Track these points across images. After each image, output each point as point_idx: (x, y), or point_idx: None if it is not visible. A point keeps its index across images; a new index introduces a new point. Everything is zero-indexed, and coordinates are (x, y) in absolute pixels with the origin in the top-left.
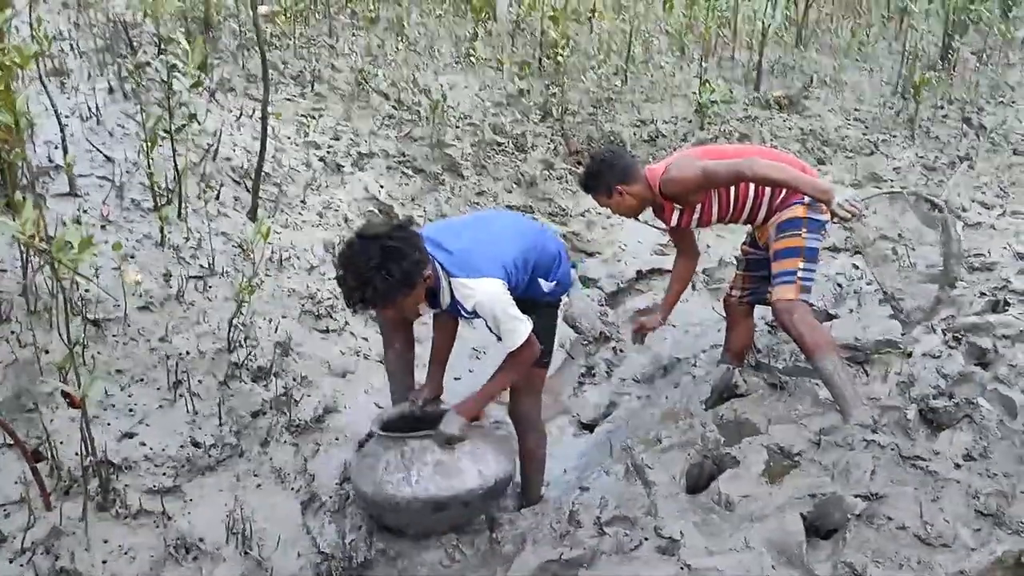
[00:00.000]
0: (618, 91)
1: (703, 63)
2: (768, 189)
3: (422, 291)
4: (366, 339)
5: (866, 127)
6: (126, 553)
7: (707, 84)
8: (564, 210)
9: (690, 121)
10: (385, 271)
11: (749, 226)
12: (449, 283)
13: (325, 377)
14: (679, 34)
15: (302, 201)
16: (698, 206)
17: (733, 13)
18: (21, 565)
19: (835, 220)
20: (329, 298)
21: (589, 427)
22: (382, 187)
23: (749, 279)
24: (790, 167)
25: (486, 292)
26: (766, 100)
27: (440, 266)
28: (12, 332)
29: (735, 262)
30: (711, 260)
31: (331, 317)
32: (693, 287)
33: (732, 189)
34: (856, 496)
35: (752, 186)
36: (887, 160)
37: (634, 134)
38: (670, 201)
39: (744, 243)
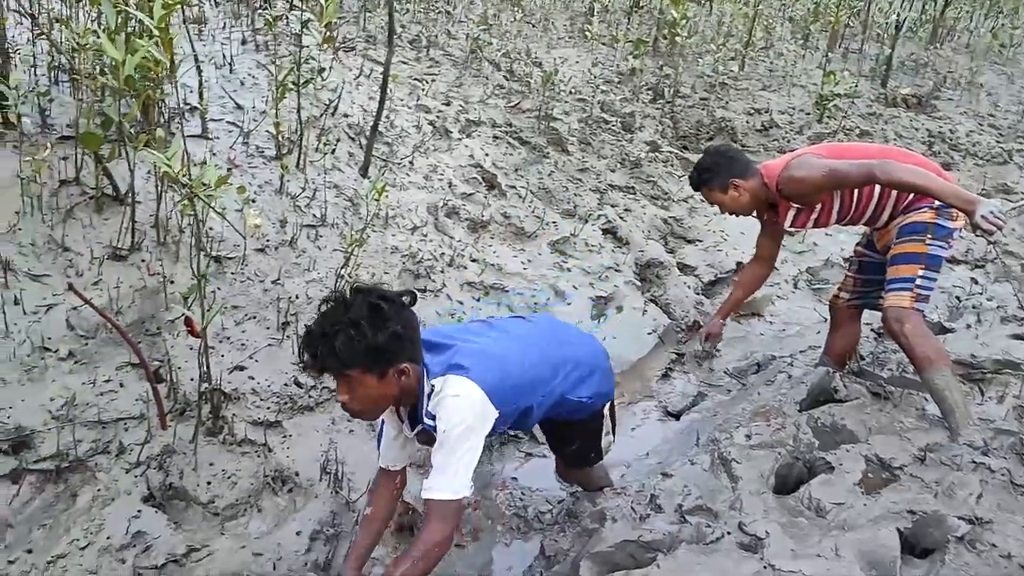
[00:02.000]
0: (734, 77)
1: (828, 53)
2: (894, 192)
3: (392, 389)
4: (461, 302)
5: (1000, 134)
6: (228, 478)
7: (831, 76)
8: (667, 194)
9: (808, 113)
10: (355, 330)
11: (866, 227)
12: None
13: None
14: (805, 22)
15: (410, 162)
16: (817, 206)
17: (866, 3)
18: (136, 476)
19: (977, 233)
20: (429, 259)
21: (674, 415)
22: (487, 155)
23: (860, 282)
24: (929, 172)
25: (460, 395)
26: (893, 97)
27: (425, 368)
28: (143, 261)
29: (844, 263)
30: (817, 259)
31: (430, 277)
32: (795, 285)
33: (856, 191)
34: (959, 518)
35: (878, 187)
36: (1020, 171)
37: (746, 122)
38: (787, 200)
39: (859, 244)
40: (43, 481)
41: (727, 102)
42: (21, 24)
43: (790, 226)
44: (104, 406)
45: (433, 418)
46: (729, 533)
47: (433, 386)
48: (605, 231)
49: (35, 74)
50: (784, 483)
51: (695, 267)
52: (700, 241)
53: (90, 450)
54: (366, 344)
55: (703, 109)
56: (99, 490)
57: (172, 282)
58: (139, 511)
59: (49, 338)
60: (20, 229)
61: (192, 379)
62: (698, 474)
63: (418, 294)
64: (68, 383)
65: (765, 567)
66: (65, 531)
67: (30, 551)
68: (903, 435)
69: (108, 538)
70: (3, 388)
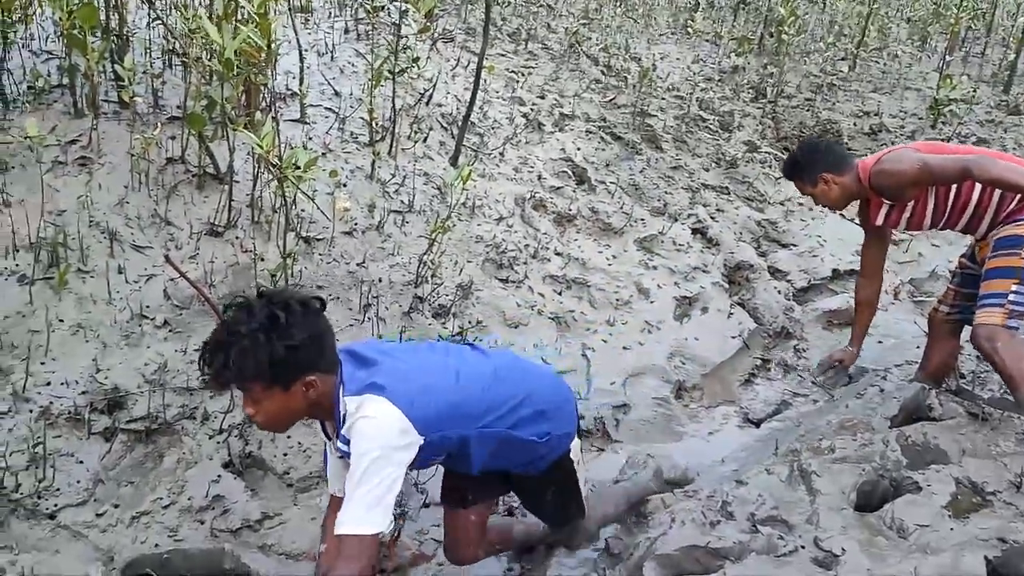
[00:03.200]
0: (843, 77)
1: (946, 56)
2: (994, 197)
3: (299, 403)
4: (542, 295)
5: None
6: (304, 451)
7: (948, 80)
8: (762, 195)
9: (920, 118)
10: (251, 342)
11: (970, 237)
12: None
13: (499, 325)
14: (923, 23)
15: (500, 154)
16: (910, 204)
17: (991, 6)
18: (218, 442)
19: None
20: (513, 250)
21: (754, 423)
22: (579, 150)
23: (960, 295)
24: None
25: (374, 418)
26: (1016, 104)
27: (342, 383)
28: (237, 238)
29: (949, 276)
30: (921, 270)
31: (512, 268)
32: (896, 296)
33: (952, 190)
34: None
35: (976, 190)
36: None
37: (854, 125)
38: (879, 195)
39: (963, 255)
40: (133, 441)
41: (834, 103)
42: (141, 9)
43: (880, 223)
44: (193, 374)
45: (348, 443)
46: (803, 547)
47: (347, 406)
48: (695, 231)
49: (150, 57)
50: (867, 501)
51: (787, 272)
52: (795, 246)
53: (178, 415)
54: (263, 357)
55: (807, 110)
56: (184, 453)
57: (263, 259)
58: (219, 476)
59: (147, 306)
60: (128, 203)
61: None
62: (775, 484)
63: (324, 301)
64: (162, 350)
65: None
66: (151, 489)
67: (117, 506)
68: (999, 459)
69: (189, 499)
70: (103, 351)
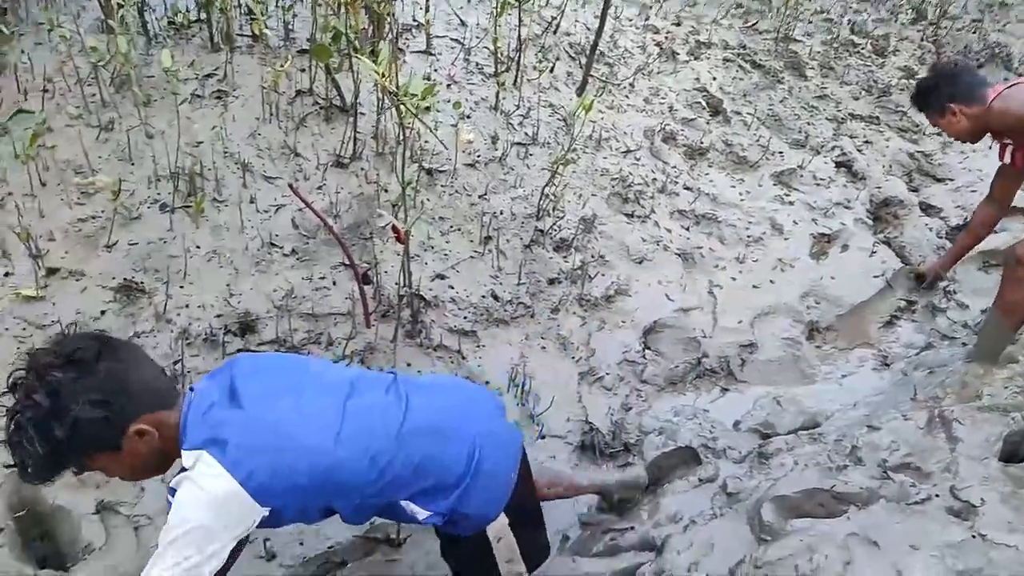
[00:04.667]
0: None
1: None
2: None
3: (145, 449)
4: (669, 230)
5: None
6: (417, 373)
7: None
8: (917, 126)
9: None
10: (30, 442)
11: None
12: None
13: (622, 260)
14: None
15: (630, 84)
16: None
17: None
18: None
19: None
20: (640, 184)
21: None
22: (714, 79)
23: None
24: None
25: (201, 487)
26: None
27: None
28: (362, 169)
29: None
30: None
31: (638, 203)
32: None
33: None
34: None
35: None
36: None
37: None
38: (998, 133)
39: None
40: None
41: (1005, 24)
42: None
43: (1008, 163)
44: (318, 301)
45: (173, 494)
46: (937, 495)
47: (184, 459)
48: (838, 164)
49: None
50: (1014, 453)
51: (941, 208)
52: (951, 180)
53: (304, 339)
54: (51, 447)
55: (974, 32)
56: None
57: (386, 191)
58: None
59: (277, 235)
60: (259, 134)
61: (396, 283)
62: (910, 431)
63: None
64: (289, 277)
65: (974, 536)
66: None
67: None
68: None
69: None
70: (236, 277)
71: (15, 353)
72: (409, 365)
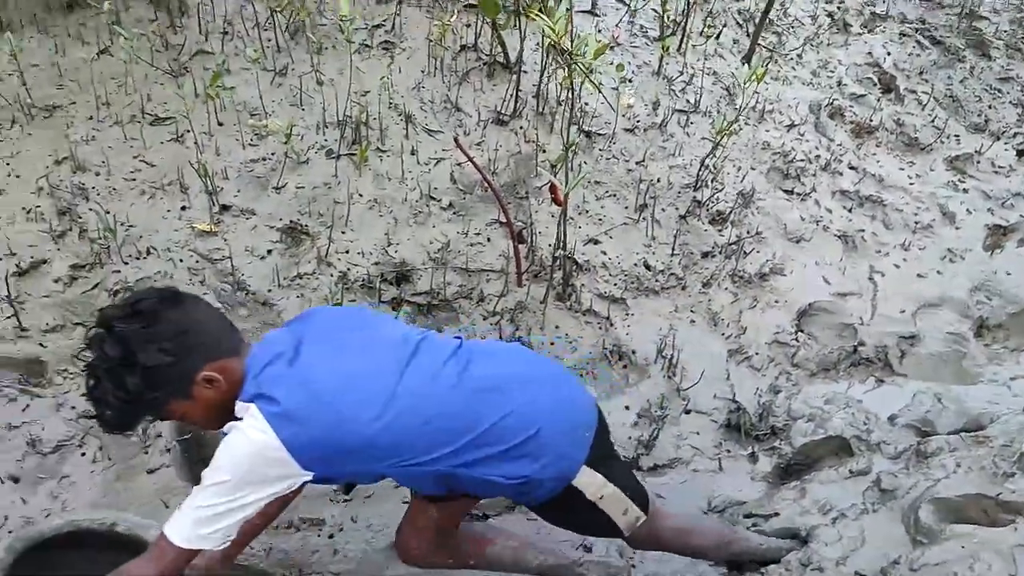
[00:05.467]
0: None
1: None
2: None
3: (215, 397)
4: (829, 210)
5: None
6: (570, 342)
7: None
8: None
9: None
10: (109, 393)
11: None
12: None
13: (778, 238)
14: None
15: (799, 55)
16: None
17: None
18: (491, 324)
19: None
20: (802, 160)
21: None
22: (889, 54)
23: None
24: None
25: (245, 439)
26: None
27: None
28: (521, 128)
29: None
30: None
31: (799, 180)
32: None
33: None
34: None
35: None
36: None
37: None
38: None
39: None
40: (416, 312)
41: None
42: None
43: None
44: (472, 256)
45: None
46: None
47: (238, 409)
48: (1020, 152)
49: None
50: None
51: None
52: None
53: (456, 293)
54: (128, 396)
55: None
56: (459, 330)
57: (544, 151)
58: None
59: (435, 188)
60: (423, 87)
61: (550, 244)
62: None
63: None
64: (445, 230)
65: None
66: None
67: None
68: None
69: None
70: (395, 226)
71: (188, 284)
72: (557, 327)
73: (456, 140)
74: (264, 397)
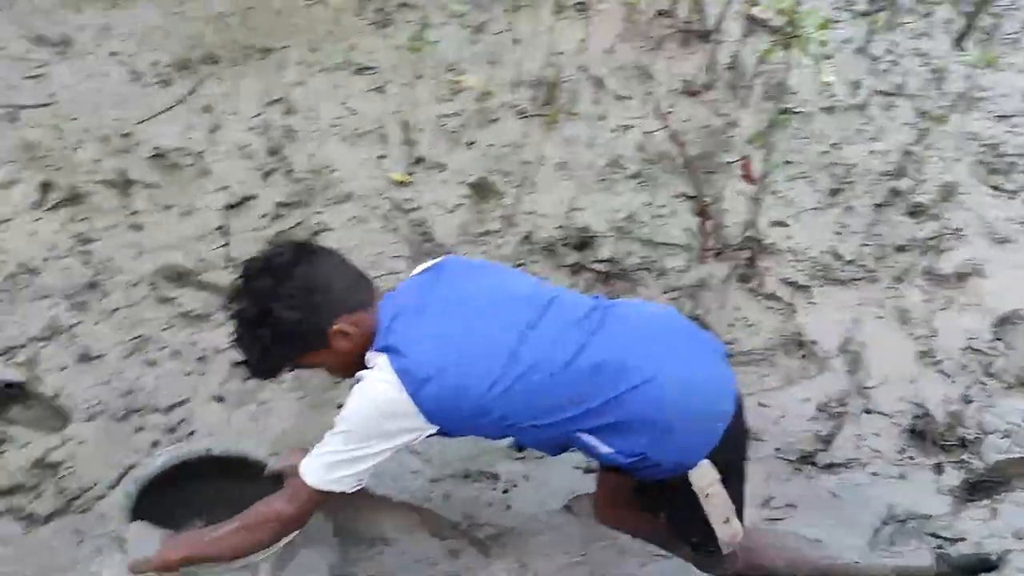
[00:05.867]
0: None
1: None
2: None
3: (350, 347)
4: None
5: None
6: (750, 326)
7: None
8: None
9: None
10: (255, 336)
11: None
12: None
13: (981, 237)
14: None
15: (1015, 40)
16: None
17: None
18: (670, 299)
19: None
20: (1013, 154)
21: None
22: None
23: None
24: None
25: (372, 390)
26: None
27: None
28: (713, 100)
29: None
30: None
31: (1008, 176)
32: None
33: None
34: None
35: None
36: None
37: None
38: None
39: None
40: (594, 280)
41: None
42: None
43: None
44: (656, 228)
45: None
46: None
47: (368, 358)
48: None
49: None
50: None
51: None
52: None
53: (637, 264)
54: (264, 348)
55: None
56: None
57: (736, 125)
58: None
59: (621, 156)
60: (615, 52)
61: (736, 223)
62: None
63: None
64: (630, 199)
65: None
66: None
67: None
68: None
69: None
70: (579, 191)
71: (380, 230)
72: (738, 309)
73: (657, 108)
74: (393, 349)
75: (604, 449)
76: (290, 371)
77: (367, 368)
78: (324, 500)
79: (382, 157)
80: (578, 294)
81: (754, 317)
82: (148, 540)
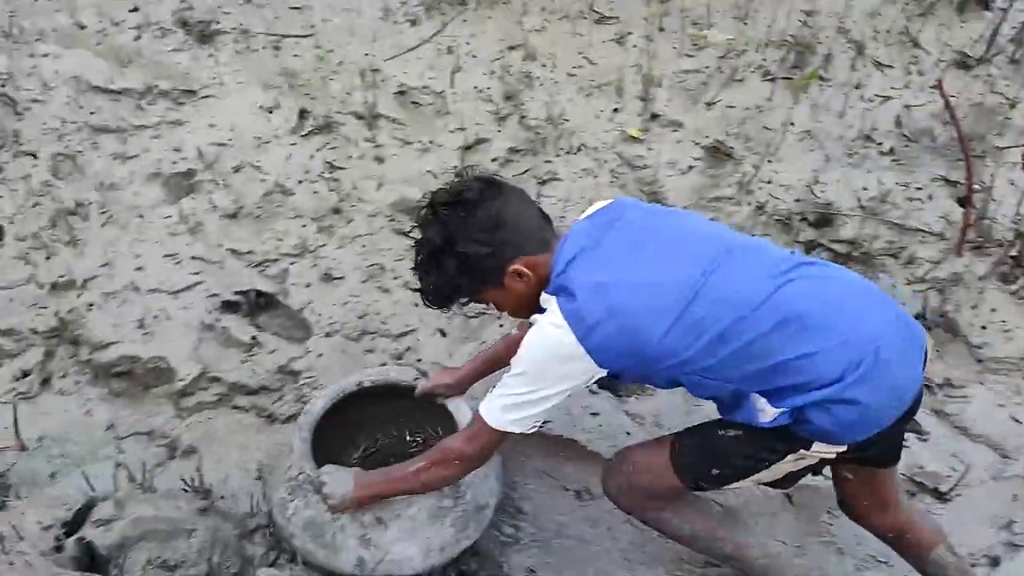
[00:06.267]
0: None
1: None
2: None
3: (524, 288)
4: None
5: None
6: (1006, 331)
7: None
8: None
9: None
10: (429, 270)
11: None
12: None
13: None
14: None
15: None
16: None
17: None
18: (916, 291)
19: None
20: None
21: None
22: None
23: None
24: None
25: (543, 333)
26: None
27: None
28: (989, 75)
29: None
30: None
31: None
32: None
33: None
34: None
35: None
36: None
37: None
38: None
39: None
40: (831, 261)
41: None
42: None
43: None
44: (908, 212)
45: None
46: None
47: (542, 299)
48: None
49: None
50: None
51: None
52: None
53: (882, 249)
54: (445, 278)
55: None
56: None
57: (1013, 107)
58: None
59: (875, 129)
60: (880, 15)
61: (1003, 216)
62: None
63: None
64: (882, 177)
65: None
66: None
67: None
68: None
69: None
70: (825, 164)
71: (607, 184)
72: (994, 311)
73: (940, 82)
74: (565, 292)
75: (769, 414)
76: (464, 304)
77: (542, 310)
78: (503, 439)
79: (617, 110)
80: (761, 241)
81: (1012, 322)
82: (341, 480)
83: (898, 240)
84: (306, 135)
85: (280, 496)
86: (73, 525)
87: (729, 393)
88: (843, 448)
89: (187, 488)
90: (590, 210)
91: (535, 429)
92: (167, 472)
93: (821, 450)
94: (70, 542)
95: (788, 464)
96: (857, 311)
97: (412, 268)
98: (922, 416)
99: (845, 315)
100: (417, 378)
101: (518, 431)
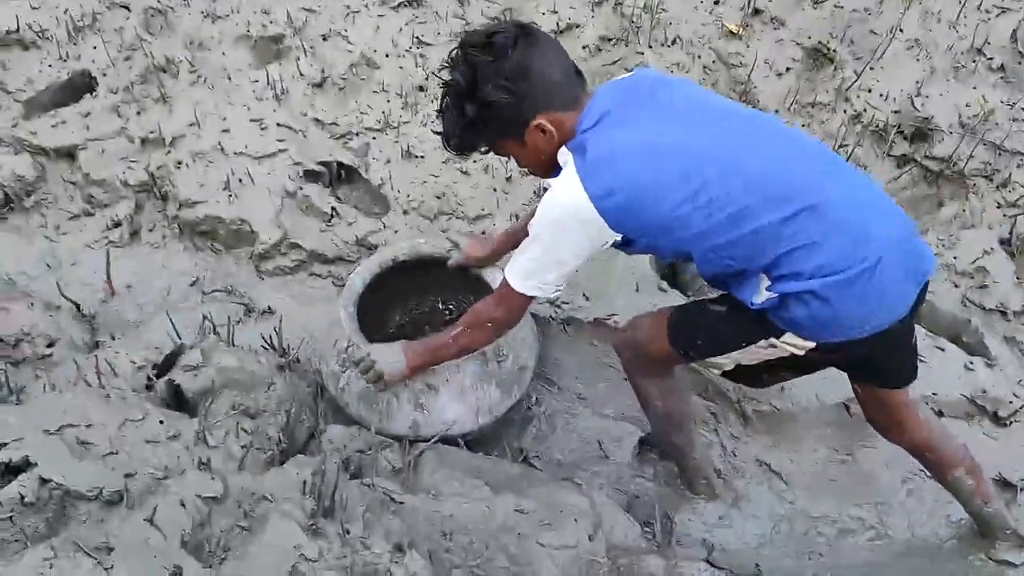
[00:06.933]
0: None
1: None
2: None
3: (544, 145)
4: None
5: None
6: None
7: None
8: None
9: None
10: (454, 111)
11: None
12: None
13: None
14: None
15: None
16: None
17: None
18: (1005, 215)
19: None
20: None
21: None
22: None
23: None
24: None
25: (557, 194)
26: None
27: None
28: None
29: None
30: None
31: None
32: None
33: None
34: None
35: None
36: None
37: None
38: None
39: None
40: (920, 178)
41: None
42: None
43: None
44: (1011, 133)
45: None
46: None
47: (561, 154)
48: None
49: None
50: None
51: None
52: None
53: (977, 170)
54: (466, 123)
55: None
56: (962, 211)
57: None
58: (991, 249)
59: (989, 43)
60: None
61: None
62: None
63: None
64: (989, 95)
65: None
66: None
67: None
68: None
69: (954, 258)
70: (929, 76)
71: (699, 82)
72: None
73: None
74: (583, 151)
75: (762, 296)
76: (484, 153)
77: (560, 171)
78: (530, 302)
79: (717, 2)
80: (801, 131)
81: None
82: (391, 355)
83: (994, 162)
84: (396, 7)
85: (332, 369)
86: (163, 368)
87: (733, 271)
88: (812, 345)
89: (266, 345)
90: (621, 77)
91: (558, 293)
92: (246, 329)
93: (790, 341)
94: (160, 383)
95: (762, 350)
96: (876, 219)
97: (436, 110)
98: (993, 342)
99: (864, 219)
100: (450, 250)
101: (541, 295)
